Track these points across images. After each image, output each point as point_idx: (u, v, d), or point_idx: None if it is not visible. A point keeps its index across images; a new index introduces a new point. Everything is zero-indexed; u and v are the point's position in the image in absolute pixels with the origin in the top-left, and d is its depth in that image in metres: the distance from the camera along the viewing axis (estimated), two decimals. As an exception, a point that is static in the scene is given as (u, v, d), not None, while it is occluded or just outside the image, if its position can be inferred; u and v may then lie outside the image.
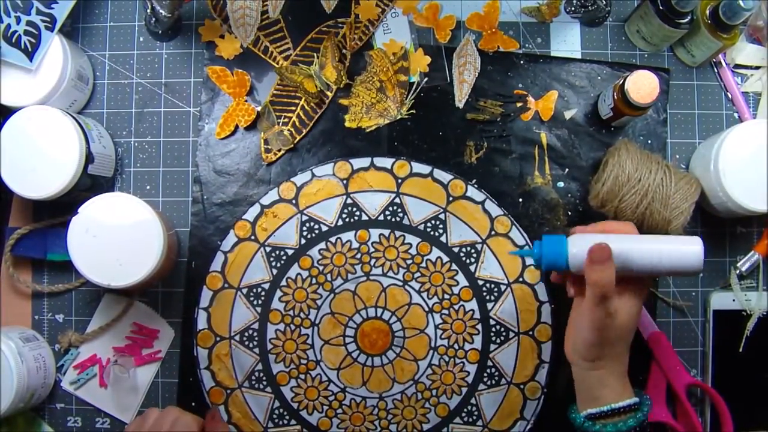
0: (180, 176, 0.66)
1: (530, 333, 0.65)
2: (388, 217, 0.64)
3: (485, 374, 0.64)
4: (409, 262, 0.64)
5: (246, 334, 0.65)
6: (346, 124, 0.67)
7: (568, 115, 0.67)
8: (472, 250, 0.64)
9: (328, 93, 0.66)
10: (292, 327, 0.65)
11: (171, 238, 0.62)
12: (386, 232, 0.64)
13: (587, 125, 0.67)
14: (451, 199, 0.65)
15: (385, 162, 0.65)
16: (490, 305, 0.65)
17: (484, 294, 0.64)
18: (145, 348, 0.66)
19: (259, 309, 0.65)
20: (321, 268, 0.65)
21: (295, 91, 0.66)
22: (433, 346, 0.64)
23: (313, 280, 0.65)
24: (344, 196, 0.65)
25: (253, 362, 0.65)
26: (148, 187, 0.67)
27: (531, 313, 0.65)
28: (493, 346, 0.64)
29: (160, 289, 0.66)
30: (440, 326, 0.64)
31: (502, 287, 0.65)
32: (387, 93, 0.66)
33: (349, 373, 0.65)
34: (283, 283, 0.65)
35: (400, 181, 0.65)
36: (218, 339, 0.65)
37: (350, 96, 0.67)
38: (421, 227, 0.64)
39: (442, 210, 0.65)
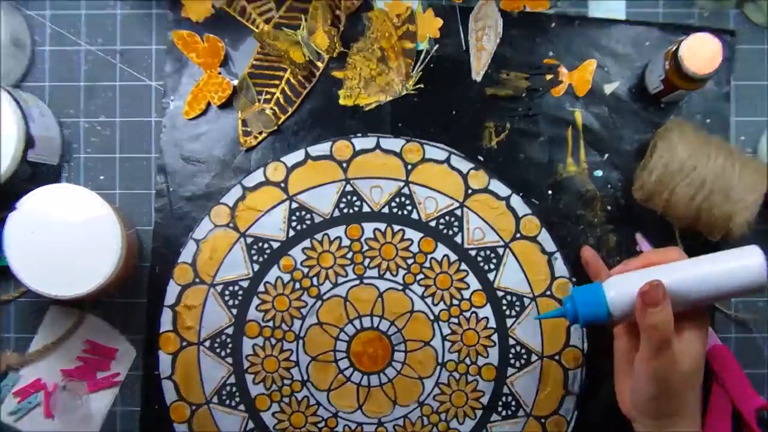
0: (141, 164, 0.61)
1: (556, 358, 0.58)
2: (395, 210, 0.58)
3: (500, 402, 0.58)
4: (410, 261, 0.58)
5: (218, 340, 0.58)
6: (341, 101, 0.60)
7: (608, 89, 0.61)
8: (492, 255, 0.58)
9: (319, 64, 0.60)
10: (273, 341, 0.58)
11: (130, 239, 0.57)
12: (382, 226, 0.58)
13: (632, 101, 0.60)
14: (470, 192, 0.58)
15: (394, 144, 0.58)
16: (509, 322, 0.58)
17: (504, 308, 0.58)
18: (100, 371, 0.60)
19: (234, 311, 0.58)
20: (305, 270, 0.58)
21: (279, 61, 0.60)
22: (441, 362, 0.58)
23: (297, 285, 0.58)
24: (343, 182, 0.58)
25: (225, 374, 0.58)
26: (101, 178, 0.61)
27: (558, 334, 0.58)
28: (511, 370, 0.58)
29: (117, 299, 0.60)
30: (448, 337, 0.58)
31: (526, 301, 0.58)
32: (389, 64, 0.60)
33: (342, 394, 0.58)
34: (261, 288, 0.58)
35: (410, 167, 0.58)
36: (185, 344, 0.58)
37: (345, 67, 0.60)
38: (433, 223, 0.58)
39: (458, 204, 0.58)
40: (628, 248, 0.59)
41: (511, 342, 0.58)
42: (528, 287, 0.58)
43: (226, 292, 0.58)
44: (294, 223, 0.58)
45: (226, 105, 0.60)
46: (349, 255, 0.58)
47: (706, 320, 0.48)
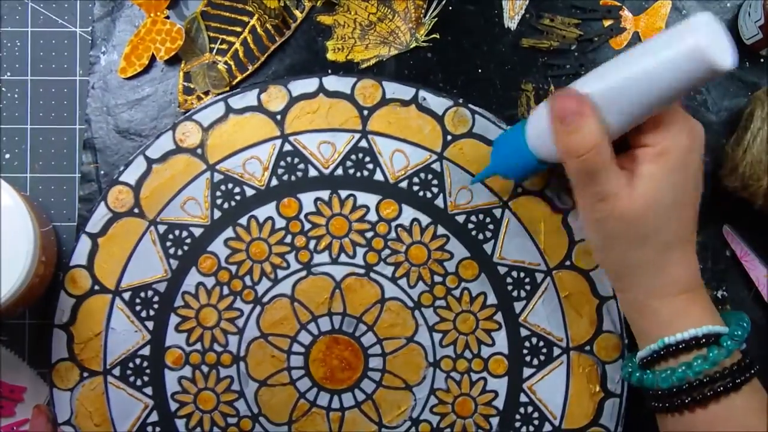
0: (61, 138, 0.53)
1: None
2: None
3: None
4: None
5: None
6: (329, 56, 0.51)
7: None
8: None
9: (298, 13, 0.51)
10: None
11: (45, 238, 0.50)
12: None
13: None
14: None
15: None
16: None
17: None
18: (4, 417, 0.51)
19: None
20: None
21: (244, 1, 0.52)
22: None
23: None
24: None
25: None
26: (7, 156, 0.52)
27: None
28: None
29: (27, 320, 0.51)
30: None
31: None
32: (394, 6, 0.51)
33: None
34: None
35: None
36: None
37: (336, 11, 0.51)
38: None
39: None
40: (716, 254, 0.50)
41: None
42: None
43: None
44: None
45: (176, 60, 0.51)
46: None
47: (672, 153, 0.39)
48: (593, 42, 0.51)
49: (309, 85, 0.49)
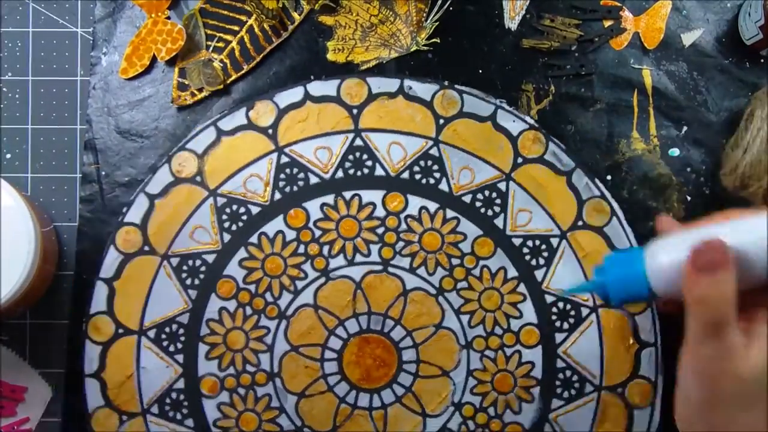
0: (62, 139, 0.53)
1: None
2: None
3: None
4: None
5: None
6: (329, 56, 0.51)
7: (688, 39, 0.54)
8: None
9: (296, 15, 0.51)
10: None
11: (46, 239, 0.50)
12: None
13: (720, 56, 0.53)
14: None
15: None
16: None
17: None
18: (5, 417, 0.51)
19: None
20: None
21: (243, 0, 0.52)
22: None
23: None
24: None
25: None
26: (8, 156, 0.53)
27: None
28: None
29: (27, 320, 0.52)
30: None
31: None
32: (396, 9, 0.51)
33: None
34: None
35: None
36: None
37: (337, 12, 0.51)
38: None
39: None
40: None
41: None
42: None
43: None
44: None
45: (176, 59, 0.51)
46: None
47: None
48: (594, 42, 0.52)
49: (294, 94, 0.50)
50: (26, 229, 0.46)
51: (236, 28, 0.51)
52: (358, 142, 0.49)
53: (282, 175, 0.49)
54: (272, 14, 0.50)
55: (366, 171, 0.50)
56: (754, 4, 0.49)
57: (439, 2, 0.51)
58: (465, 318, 0.49)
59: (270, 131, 0.49)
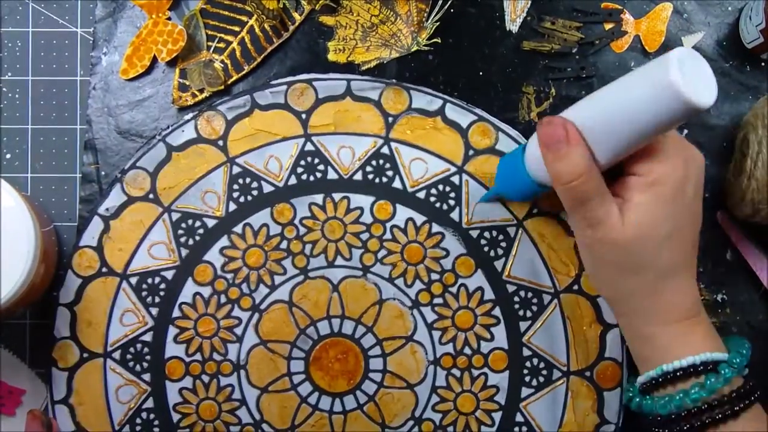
0: (62, 139, 0.53)
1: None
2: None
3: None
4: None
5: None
6: (330, 56, 0.51)
7: (689, 42, 0.53)
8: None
9: (297, 15, 0.51)
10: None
11: (46, 239, 0.49)
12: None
13: (721, 59, 0.53)
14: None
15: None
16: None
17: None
18: (3, 416, 0.51)
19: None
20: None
21: (244, 1, 0.51)
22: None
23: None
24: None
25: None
26: (8, 156, 0.52)
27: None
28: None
29: (27, 320, 0.51)
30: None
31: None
32: (397, 8, 0.51)
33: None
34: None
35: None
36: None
37: (337, 12, 0.51)
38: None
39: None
40: (716, 257, 0.50)
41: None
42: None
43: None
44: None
45: (177, 60, 0.51)
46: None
47: (666, 183, 0.38)
48: (594, 45, 0.51)
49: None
50: (26, 229, 0.46)
51: (237, 28, 0.51)
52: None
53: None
54: (273, 15, 0.50)
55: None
56: (755, 8, 0.49)
57: (440, 2, 0.50)
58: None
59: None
